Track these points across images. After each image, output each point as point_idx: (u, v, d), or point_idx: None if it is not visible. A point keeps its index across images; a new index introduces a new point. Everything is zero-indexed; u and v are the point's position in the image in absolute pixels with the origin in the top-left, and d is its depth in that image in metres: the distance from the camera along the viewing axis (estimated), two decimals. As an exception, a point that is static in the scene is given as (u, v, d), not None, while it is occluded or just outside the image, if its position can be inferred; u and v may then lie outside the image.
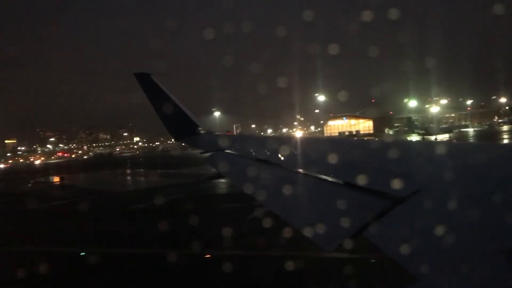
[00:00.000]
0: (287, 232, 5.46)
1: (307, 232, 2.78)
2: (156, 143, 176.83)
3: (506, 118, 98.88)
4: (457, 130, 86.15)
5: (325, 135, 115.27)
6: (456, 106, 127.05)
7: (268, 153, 5.66)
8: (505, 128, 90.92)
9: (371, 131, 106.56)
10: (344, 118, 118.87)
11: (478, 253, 1.84)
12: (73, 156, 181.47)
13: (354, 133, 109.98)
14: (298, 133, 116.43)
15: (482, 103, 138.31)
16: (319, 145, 6.84)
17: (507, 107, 75.66)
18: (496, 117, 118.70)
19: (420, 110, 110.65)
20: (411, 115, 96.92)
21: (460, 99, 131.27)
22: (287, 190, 3.83)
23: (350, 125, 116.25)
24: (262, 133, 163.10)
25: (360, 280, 7.59)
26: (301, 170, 4.40)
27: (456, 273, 1.80)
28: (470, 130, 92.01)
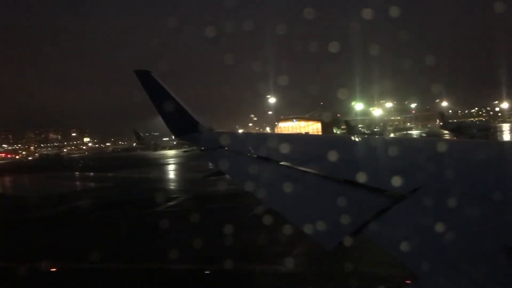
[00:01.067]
0: (286, 230, 5.49)
1: (307, 229, 2.76)
2: (107, 144, 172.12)
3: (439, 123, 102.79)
4: (403, 132, 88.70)
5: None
6: (401, 109, 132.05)
7: (268, 151, 5.61)
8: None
9: (320, 133, 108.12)
10: (294, 120, 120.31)
11: (477, 251, 1.83)
12: (17, 157, 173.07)
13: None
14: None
15: (427, 107, 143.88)
16: (320, 143, 6.91)
17: (439, 113, 78.21)
18: (437, 120, 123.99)
19: (366, 113, 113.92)
20: (350, 118, 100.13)
21: (406, 102, 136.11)
22: (287, 187, 3.80)
23: (300, 127, 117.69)
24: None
25: (360, 277, 7.56)
26: (301, 167, 4.38)
27: (455, 270, 1.78)
28: (415, 133, 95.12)
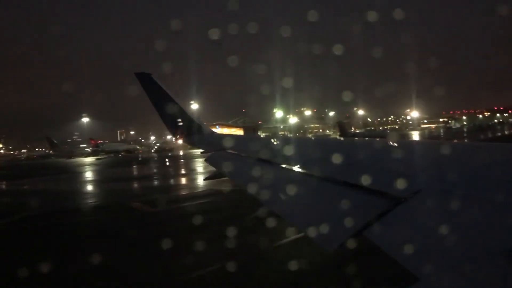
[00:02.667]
0: (287, 231, 5.56)
1: (308, 231, 2.71)
2: (23, 151, 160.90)
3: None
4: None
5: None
6: (321, 117, 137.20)
7: (270, 153, 5.56)
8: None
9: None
10: (217, 126, 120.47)
11: (479, 253, 1.81)
12: None
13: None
14: (181, 141, 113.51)
15: (347, 114, 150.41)
16: (322, 145, 6.79)
17: (337, 122, 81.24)
18: (352, 128, 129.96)
19: (286, 121, 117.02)
20: (271, 125, 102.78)
21: (326, 110, 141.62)
22: (288, 190, 3.74)
23: (223, 134, 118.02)
24: (143, 140, 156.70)
25: (360, 280, 7.41)
26: (302, 170, 4.35)
27: (456, 273, 1.75)
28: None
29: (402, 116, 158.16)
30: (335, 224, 2.73)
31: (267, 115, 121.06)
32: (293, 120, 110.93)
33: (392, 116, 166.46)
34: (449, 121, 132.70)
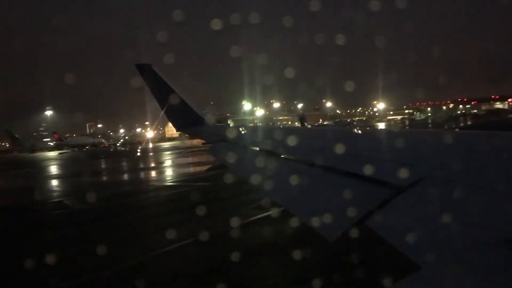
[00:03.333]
0: (289, 221, 5.19)
1: (309, 221, 2.71)
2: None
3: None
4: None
5: (166, 136, 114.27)
6: (290, 109, 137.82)
7: (271, 144, 5.54)
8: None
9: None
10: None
11: (480, 242, 1.79)
12: None
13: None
14: (150, 134, 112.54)
15: (316, 107, 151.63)
16: (324, 135, 6.75)
17: (298, 115, 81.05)
18: (320, 120, 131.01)
19: (254, 113, 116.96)
20: (239, 118, 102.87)
21: (295, 102, 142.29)
22: (289, 180, 3.72)
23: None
24: (111, 133, 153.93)
25: (362, 268, 7.34)
26: (303, 160, 4.30)
27: (457, 261, 1.74)
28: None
29: (370, 108, 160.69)
30: (336, 213, 2.72)
31: (236, 107, 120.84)
32: (260, 112, 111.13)
33: (360, 108, 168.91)
34: (414, 113, 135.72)
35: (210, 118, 9.71)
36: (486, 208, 2.06)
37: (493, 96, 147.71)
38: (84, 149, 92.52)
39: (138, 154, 60.03)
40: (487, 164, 2.69)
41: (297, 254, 8.20)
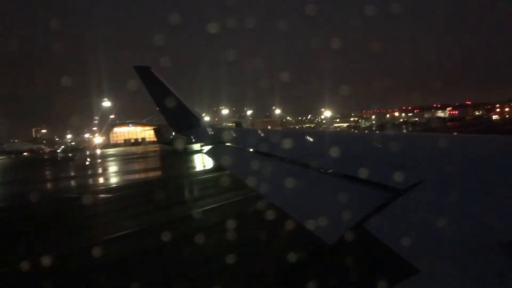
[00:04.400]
0: (287, 224, 4.94)
1: (308, 223, 2.70)
2: None
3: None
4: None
5: (111, 142, 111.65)
6: (240, 115, 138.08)
7: (269, 146, 5.50)
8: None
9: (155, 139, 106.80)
10: (130, 125, 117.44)
11: (478, 245, 1.79)
12: None
13: (140, 140, 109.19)
14: (98, 139, 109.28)
15: (267, 113, 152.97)
16: (321, 138, 6.67)
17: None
18: (269, 126, 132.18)
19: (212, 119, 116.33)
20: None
21: (245, 109, 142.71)
22: (288, 182, 3.73)
23: (136, 132, 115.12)
24: (57, 139, 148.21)
25: (360, 271, 7.26)
26: (301, 162, 4.26)
27: (455, 264, 1.74)
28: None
29: (318, 115, 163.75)
30: (335, 216, 2.71)
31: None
32: (205, 119, 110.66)
33: (310, 115, 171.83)
34: (359, 120, 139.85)
35: (204, 121, 9.79)
36: (484, 212, 2.07)
37: (434, 105, 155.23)
38: (22, 156, 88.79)
39: (73, 161, 58.21)
40: (485, 167, 2.68)
41: (295, 257, 8.26)
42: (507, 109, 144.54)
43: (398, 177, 2.71)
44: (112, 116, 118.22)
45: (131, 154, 67.96)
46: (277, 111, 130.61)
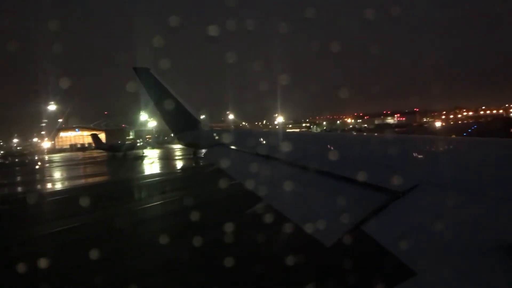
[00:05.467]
0: (285, 226, 4.37)
1: (306, 226, 2.73)
2: None
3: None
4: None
5: (56, 147, 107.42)
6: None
7: (268, 148, 5.60)
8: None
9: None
10: (76, 129, 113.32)
11: (475, 248, 1.81)
12: None
13: (86, 145, 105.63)
14: (46, 144, 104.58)
15: (222, 118, 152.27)
16: (320, 140, 6.81)
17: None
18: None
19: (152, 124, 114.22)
20: (137, 129, 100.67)
21: (199, 113, 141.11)
22: (286, 185, 3.76)
23: (83, 137, 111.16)
24: (3, 144, 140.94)
25: (358, 273, 7.31)
26: (300, 165, 4.29)
27: (453, 267, 1.76)
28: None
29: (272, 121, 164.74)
30: (333, 218, 2.72)
31: (132, 118, 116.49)
32: (152, 123, 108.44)
33: (265, 121, 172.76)
34: (311, 126, 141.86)
35: (203, 123, 9.56)
36: (481, 214, 2.08)
37: (384, 112, 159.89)
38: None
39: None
40: (482, 170, 2.69)
41: (293, 259, 8.27)
42: (451, 116, 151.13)
43: (396, 179, 2.72)
44: (60, 120, 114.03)
45: (68, 160, 65.08)
46: (231, 116, 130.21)
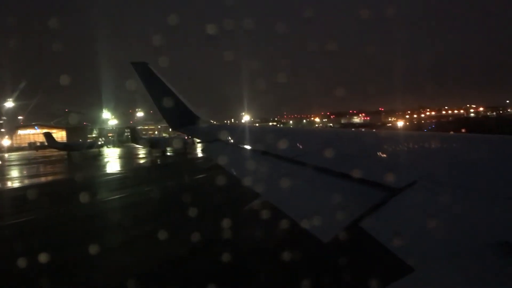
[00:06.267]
0: (283, 222, 4.78)
1: (304, 222, 2.72)
2: None
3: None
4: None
5: (14, 145, 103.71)
6: (158, 119, 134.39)
7: (266, 144, 5.50)
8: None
9: (64, 141, 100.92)
10: (36, 127, 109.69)
11: (472, 245, 1.81)
12: None
13: (46, 144, 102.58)
14: (6, 142, 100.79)
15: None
16: (318, 137, 6.79)
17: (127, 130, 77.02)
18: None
19: (116, 122, 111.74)
20: (99, 127, 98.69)
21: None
22: (284, 181, 3.75)
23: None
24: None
25: (355, 269, 7.16)
26: (298, 161, 4.24)
27: (450, 264, 1.77)
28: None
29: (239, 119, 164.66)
30: (331, 215, 2.71)
31: (94, 116, 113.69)
32: (113, 122, 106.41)
33: (233, 119, 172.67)
34: (278, 125, 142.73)
35: (201, 118, 9.34)
36: (479, 212, 2.06)
37: (350, 111, 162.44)
38: None
39: None
40: (480, 168, 2.68)
41: (290, 255, 8.19)
42: (415, 116, 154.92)
43: (394, 176, 2.70)
44: (20, 117, 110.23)
45: (15, 159, 62.69)
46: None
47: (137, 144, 59.89)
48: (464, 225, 2.03)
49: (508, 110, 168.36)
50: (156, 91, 9.19)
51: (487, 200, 2.17)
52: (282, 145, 5.26)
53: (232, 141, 7.35)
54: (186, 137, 63.56)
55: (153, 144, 57.84)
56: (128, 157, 56.42)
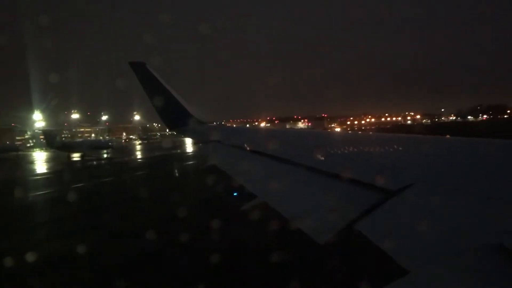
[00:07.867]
0: (279, 223, 4.10)
1: (300, 223, 2.73)
2: None
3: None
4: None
5: None
6: (96, 121, 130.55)
7: (263, 145, 5.59)
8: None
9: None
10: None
11: (468, 247, 1.81)
12: None
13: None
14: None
15: (131, 119, 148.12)
16: (315, 138, 6.72)
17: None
18: (124, 133, 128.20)
19: (48, 123, 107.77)
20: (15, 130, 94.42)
21: (102, 113, 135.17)
22: (280, 182, 3.81)
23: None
24: None
25: (350, 271, 7.21)
26: (295, 162, 4.25)
27: (445, 266, 1.77)
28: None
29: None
30: (327, 216, 2.72)
31: (23, 117, 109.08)
32: (40, 124, 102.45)
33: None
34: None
35: (198, 118, 9.31)
36: (475, 214, 2.07)
37: (295, 116, 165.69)
38: None
39: None
40: (476, 170, 2.69)
41: (286, 256, 8.14)
42: (356, 122, 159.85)
43: (390, 178, 2.70)
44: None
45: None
46: (137, 117, 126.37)
47: (53, 148, 58.16)
48: (461, 227, 2.05)
49: (442, 118, 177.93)
50: (152, 91, 9.20)
51: (484, 202, 2.18)
52: (280, 146, 5.35)
53: (229, 142, 7.34)
54: (109, 142, 62.76)
55: (70, 148, 56.42)
56: (34, 162, 54.70)
